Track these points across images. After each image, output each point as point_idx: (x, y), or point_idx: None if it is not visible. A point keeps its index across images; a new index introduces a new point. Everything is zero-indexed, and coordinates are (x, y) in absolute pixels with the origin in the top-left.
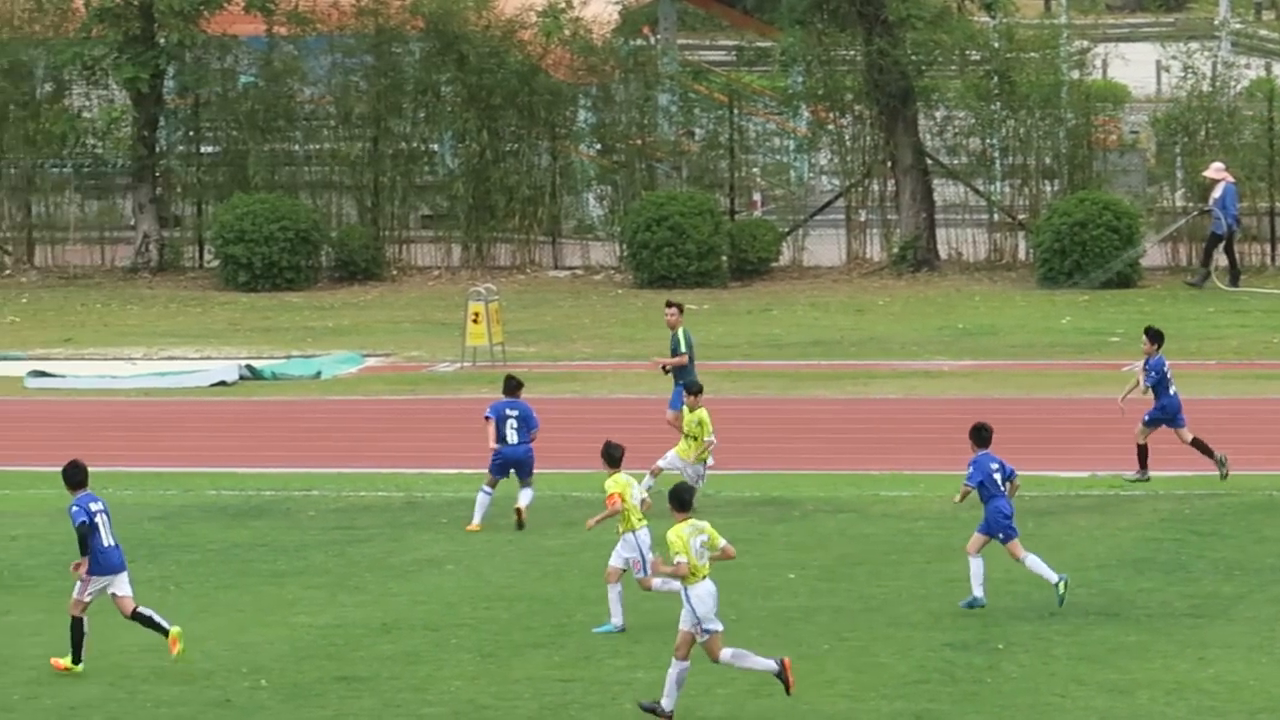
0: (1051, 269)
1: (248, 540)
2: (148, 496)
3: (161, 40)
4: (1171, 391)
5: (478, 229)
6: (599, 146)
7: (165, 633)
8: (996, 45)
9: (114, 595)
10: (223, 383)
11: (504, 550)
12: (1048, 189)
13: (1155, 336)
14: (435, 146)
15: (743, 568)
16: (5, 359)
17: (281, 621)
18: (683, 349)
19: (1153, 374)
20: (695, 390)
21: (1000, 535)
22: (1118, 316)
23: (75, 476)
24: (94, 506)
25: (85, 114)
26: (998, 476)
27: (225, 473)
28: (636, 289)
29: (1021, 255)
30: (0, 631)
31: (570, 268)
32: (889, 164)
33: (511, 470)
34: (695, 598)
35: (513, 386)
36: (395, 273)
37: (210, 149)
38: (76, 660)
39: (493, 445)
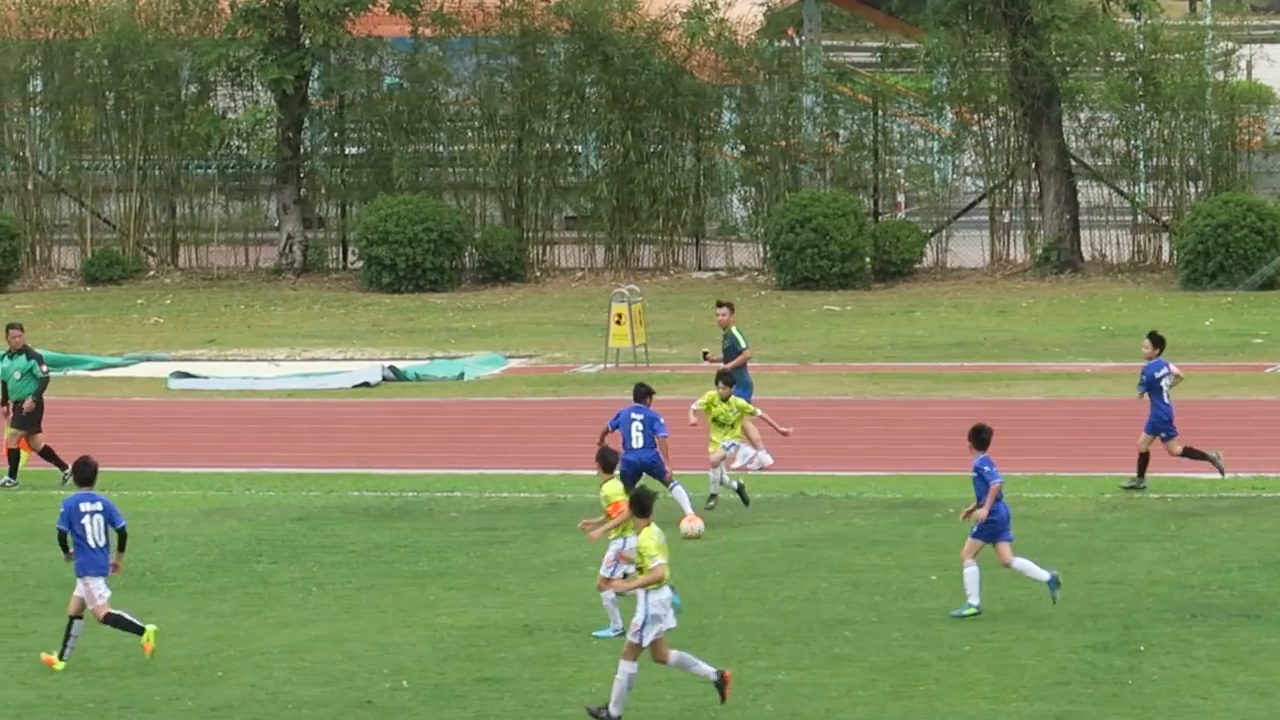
0: (1195, 271)
1: (390, 541)
2: (290, 497)
3: (306, 41)
4: (1165, 400)
5: (621, 230)
6: (743, 148)
7: (61, 656)
8: (1141, 47)
9: (76, 595)
10: (366, 384)
11: None
12: (1192, 191)
13: (1158, 341)
14: (579, 148)
15: (885, 569)
16: (149, 360)
17: (423, 623)
18: (743, 345)
19: (1143, 378)
20: (728, 381)
21: (993, 539)
22: (1261, 318)
23: (82, 473)
24: (85, 507)
25: (230, 115)
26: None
27: (368, 474)
28: (780, 290)
29: (1165, 257)
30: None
31: (714, 269)
32: (1033, 165)
33: (644, 474)
34: (656, 601)
35: (641, 394)
36: (538, 274)
37: (355, 150)
38: (139, 631)
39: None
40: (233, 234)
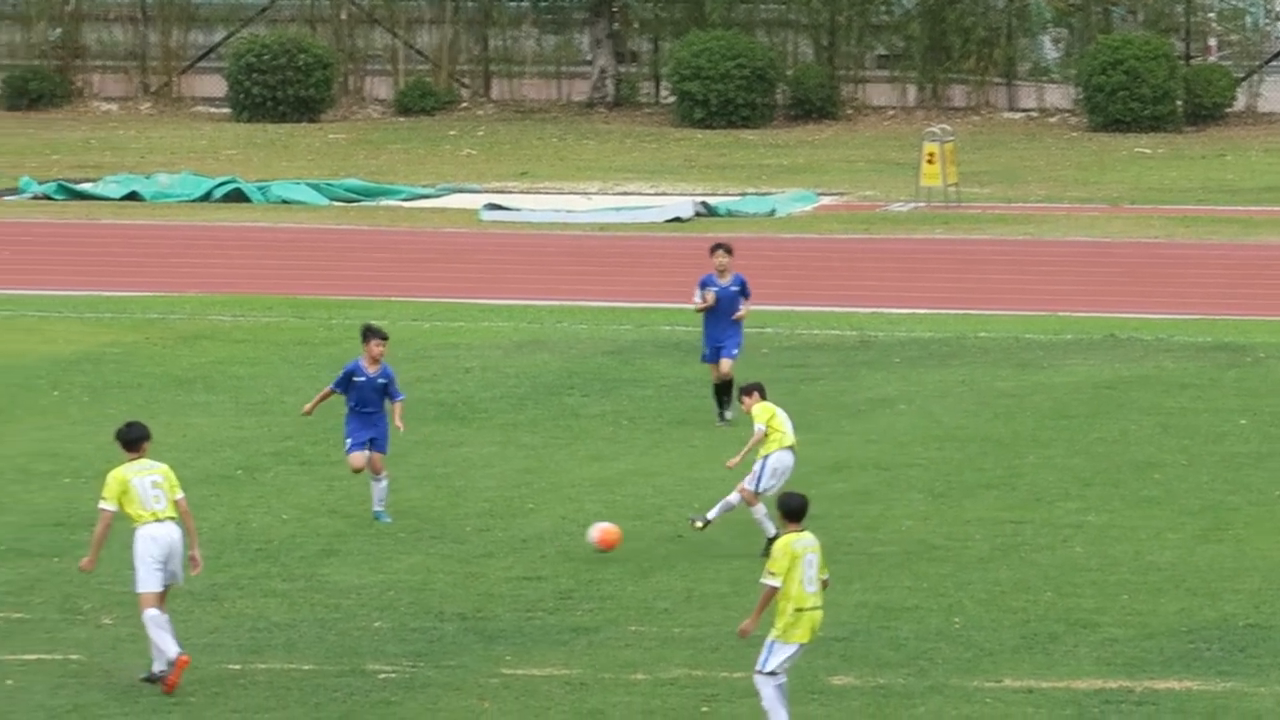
0: None
1: (700, 376)
2: (601, 330)
3: None
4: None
5: (933, 69)
6: None
7: None
8: None
9: None
10: (678, 219)
11: (956, 391)
12: None
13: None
14: None
15: (1195, 412)
16: (461, 191)
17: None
18: None
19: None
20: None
21: None
22: None
23: None
24: None
25: None
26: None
27: (679, 308)
28: (1091, 132)
29: None
30: (454, 463)
31: (1025, 110)
32: None
33: None
34: (139, 539)
35: None
36: (850, 112)
37: None
38: None
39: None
40: (545, 67)
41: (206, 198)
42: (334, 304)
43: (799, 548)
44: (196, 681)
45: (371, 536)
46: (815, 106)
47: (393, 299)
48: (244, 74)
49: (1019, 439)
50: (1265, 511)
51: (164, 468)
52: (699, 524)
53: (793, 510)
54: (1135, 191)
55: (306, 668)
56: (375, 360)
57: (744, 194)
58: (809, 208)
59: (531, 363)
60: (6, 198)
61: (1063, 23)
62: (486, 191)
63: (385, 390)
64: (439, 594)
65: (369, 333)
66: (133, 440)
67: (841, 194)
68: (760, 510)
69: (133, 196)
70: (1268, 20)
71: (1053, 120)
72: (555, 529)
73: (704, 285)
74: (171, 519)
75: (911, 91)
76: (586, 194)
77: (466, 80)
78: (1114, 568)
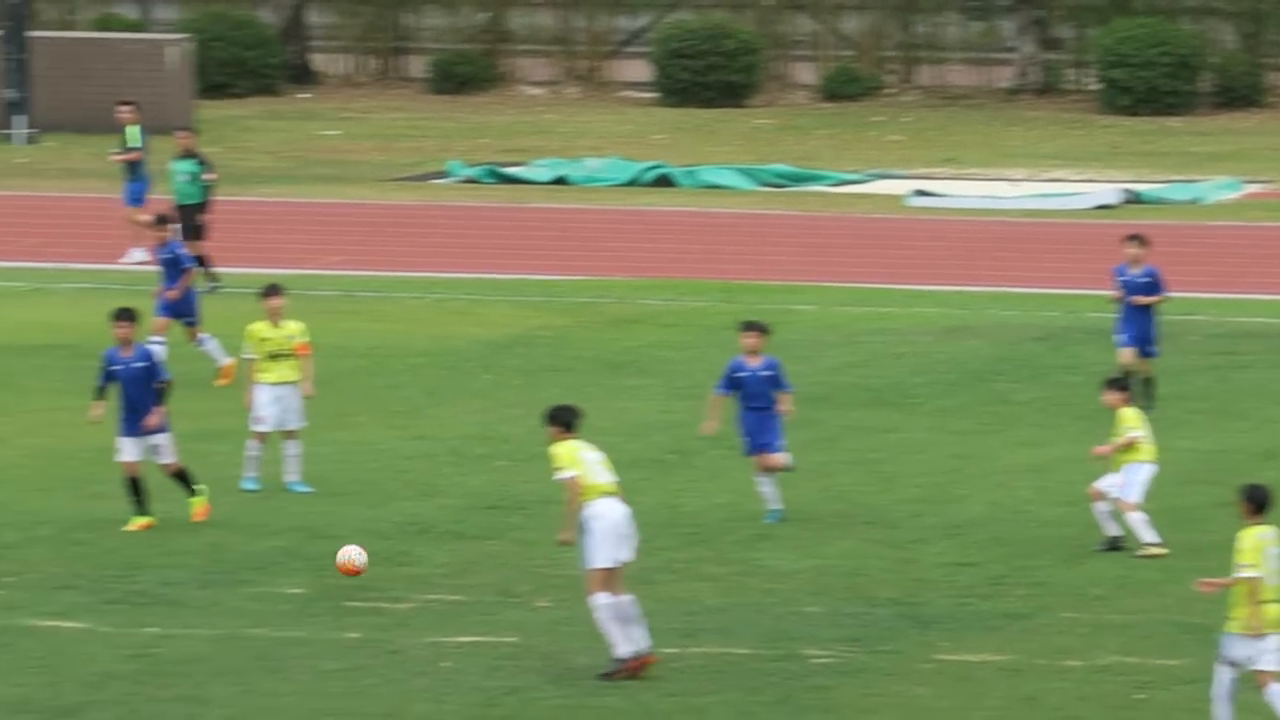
0: None
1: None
2: (1030, 317)
3: None
4: None
5: None
6: None
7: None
8: None
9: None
10: (1105, 206)
11: None
12: None
13: None
14: None
15: None
16: (887, 177)
17: (1163, 445)
18: (131, 144)
19: None
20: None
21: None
22: None
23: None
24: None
25: None
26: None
27: (1108, 294)
28: None
29: None
30: (886, 449)
31: None
32: None
33: None
34: (592, 517)
35: None
36: (1275, 99)
37: None
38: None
39: None
40: (970, 53)
41: (634, 182)
42: (764, 289)
43: (1264, 539)
44: None
45: (804, 522)
46: (1240, 94)
47: (823, 284)
48: (670, 59)
49: None
50: None
51: (601, 453)
52: (1155, 548)
53: (1260, 503)
54: None
55: (741, 652)
56: (753, 353)
57: (1170, 181)
58: (1236, 195)
59: (961, 349)
60: (434, 181)
61: None
62: (913, 178)
63: (773, 382)
64: (872, 579)
65: (742, 327)
66: (571, 421)
67: (1269, 182)
68: (1139, 517)
69: (561, 180)
70: None
71: None
72: (988, 515)
73: (1117, 275)
74: (618, 495)
75: None
76: (1013, 181)
77: (892, 66)
78: None
